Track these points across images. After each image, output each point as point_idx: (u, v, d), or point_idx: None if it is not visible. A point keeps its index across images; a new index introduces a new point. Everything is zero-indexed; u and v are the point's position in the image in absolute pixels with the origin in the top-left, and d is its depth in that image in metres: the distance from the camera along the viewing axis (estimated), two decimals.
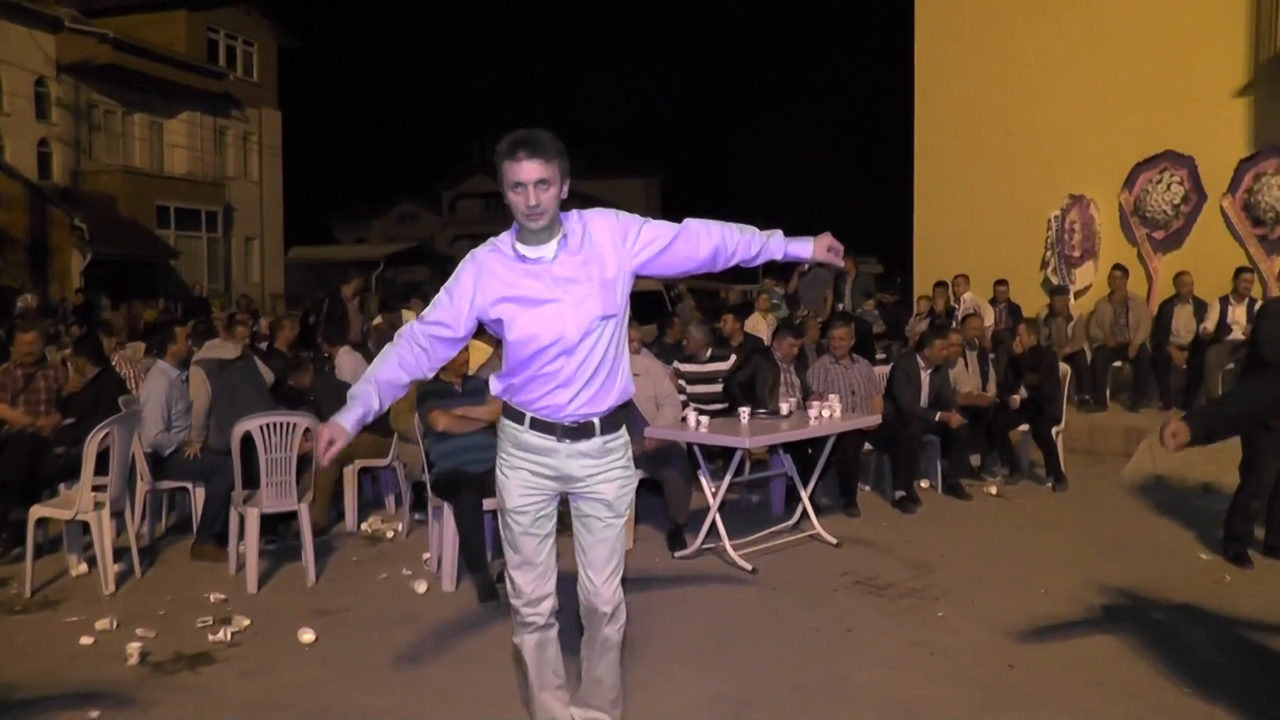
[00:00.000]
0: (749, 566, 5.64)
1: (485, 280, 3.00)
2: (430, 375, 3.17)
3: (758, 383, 6.84)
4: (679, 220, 3.13)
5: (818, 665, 4.31)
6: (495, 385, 3.16)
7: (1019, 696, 3.98)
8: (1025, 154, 12.39)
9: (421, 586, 5.42)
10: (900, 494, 7.16)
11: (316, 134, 57.54)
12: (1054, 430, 8.06)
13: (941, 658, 4.38)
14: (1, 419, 6.49)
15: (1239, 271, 10.05)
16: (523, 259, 2.98)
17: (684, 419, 6.12)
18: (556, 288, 2.95)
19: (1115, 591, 5.27)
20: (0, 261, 21.36)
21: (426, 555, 5.92)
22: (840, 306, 12.09)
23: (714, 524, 5.86)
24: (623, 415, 3.15)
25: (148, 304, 20.42)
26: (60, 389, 6.80)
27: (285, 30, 31.97)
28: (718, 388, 7.20)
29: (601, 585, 3.14)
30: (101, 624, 4.83)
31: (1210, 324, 9.94)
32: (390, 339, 3.17)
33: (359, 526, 6.78)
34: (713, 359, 7.35)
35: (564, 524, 3.22)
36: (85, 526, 5.59)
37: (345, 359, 7.77)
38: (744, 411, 6.03)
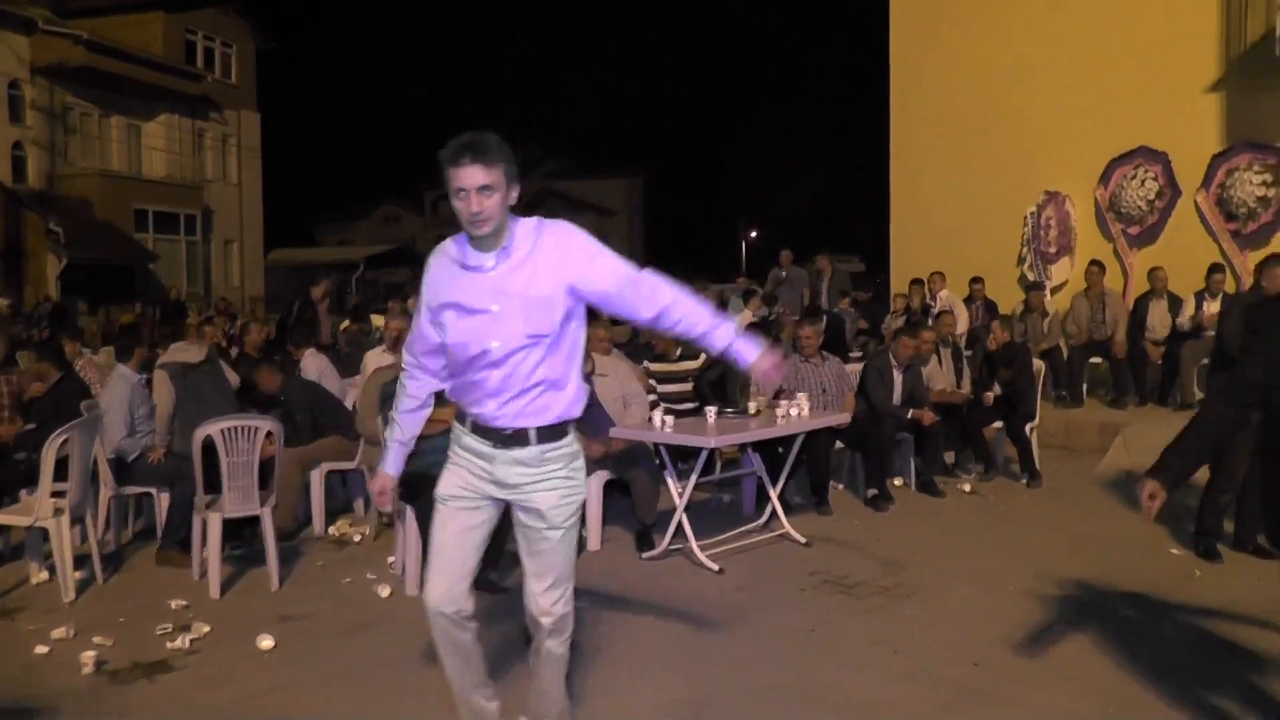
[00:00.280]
0: (716, 567, 5.61)
1: (433, 283, 2.99)
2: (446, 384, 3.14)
3: (728, 381, 6.80)
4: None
5: (780, 666, 4.27)
6: (446, 386, 3.12)
7: (982, 695, 3.96)
8: (1001, 151, 12.41)
9: (385, 591, 5.36)
10: (873, 492, 7.14)
11: (297, 136, 57.12)
12: (1028, 427, 8.05)
13: (907, 657, 4.35)
14: None
15: (1212, 270, 10.10)
16: (465, 265, 2.91)
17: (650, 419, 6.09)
18: (490, 298, 2.87)
19: (1085, 587, 5.26)
20: None
21: (391, 559, 5.87)
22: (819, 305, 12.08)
23: (681, 524, 5.82)
24: (568, 427, 3.03)
25: (125, 308, 20.27)
26: (22, 394, 6.71)
27: (264, 31, 31.84)
28: (688, 387, 7.17)
29: (539, 596, 3.06)
30: (58, 633, 4.74)
31: (1185, 318, 9.94)
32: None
33: (326, 530, 6.71)
34: (683, 358, 7.32)
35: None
36: (46, 533, 5.51)
37: (310, 361, 7.70)
38: (710, 411, 6.00)
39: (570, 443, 3.04)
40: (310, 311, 9.65)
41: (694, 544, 5.72)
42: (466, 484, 3.05)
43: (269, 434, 5.61)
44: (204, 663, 4.45)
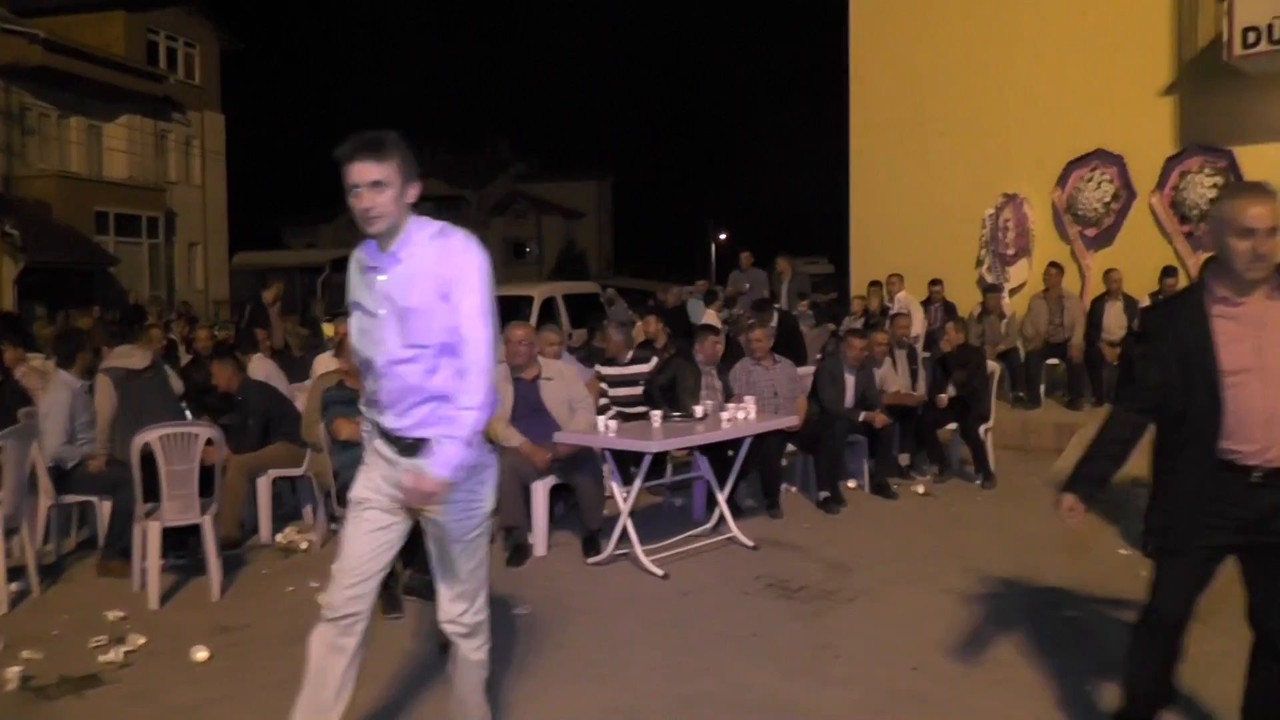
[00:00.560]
0: (660, 571, 5.58)
1: (349, 283, 2.97)
2: None
3: (679, 385, 6.78)
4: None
5: (717, 672, 4.24)
6: None
7: (918, 699, 3.95)
8: (959, 153, 12.48)
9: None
10: (824, 494, 7.14)
11: (263, 137, 56.75)
12: (982, 428, 8.08)
13: (845, 661, 4.34)
14: None
15: (1164, 274, 10.20)
16: (365, 266, 2.86)
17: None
18: (380, 302, 2.82)
19: (1031, 589, 5.28)
20: None
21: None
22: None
23: (626, 529, 5.79)
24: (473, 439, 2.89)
25: (85, 312, 19.97)
26: None
27: (228, 32, 31.48)
28: (639, 390, 7.14)
29: (447, 605, 3.03)
30: None
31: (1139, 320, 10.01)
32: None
33: (274, 538, 6.63)
34: (634, 361, 7.30)
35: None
36: None
37: (258, 366, 7.63)
38: (656, 414, 5.97)
39: (474, 456, 2.92)
40: (262, 316, 9.57)
41: (639, 549, 5.69)
42: (376, 487, 2.98)
43: (209, 441, 5.53)
44: (136, 676, 4.37)
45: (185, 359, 9.38)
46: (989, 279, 12.22)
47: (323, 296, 26.09)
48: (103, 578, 5.81)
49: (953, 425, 8.25)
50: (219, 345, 8.34)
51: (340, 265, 34.94)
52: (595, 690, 4.08)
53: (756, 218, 48.09)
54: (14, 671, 4.31)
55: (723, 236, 46.70)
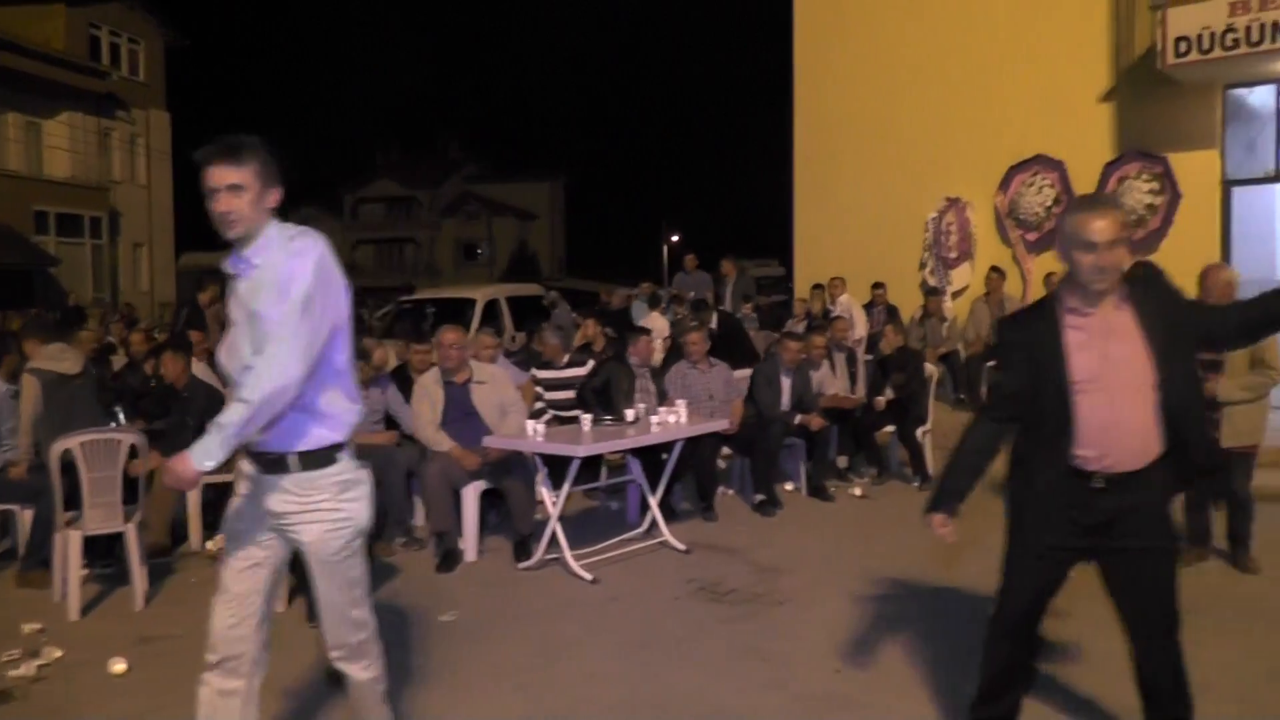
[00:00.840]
0: (589, 577, 5.56)
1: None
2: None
3: (613, 388, 6.77)
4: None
5: (641, 678, 4.24)
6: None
7: (840, 702, 3.97)
8: (902, 157, 12.58)
9: None
10: (760, 497, 7.16)
11: (210, 136, 55.82)
12: (920, 430, 8.16)
13: (771, 665, 4.35)
14: None
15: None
16: (230, 272, 2.81)
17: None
18: (236, 309, 2.78)
19: (960, 592, 5.31)
20: None
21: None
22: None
23: (556, 534, 5.76)
24: (335, 454, 2.81)
25: (22, 314, 19.54)
26: None
27: (173, 28, 30.98)
28: (574, 394, 7.11)
29: (326, 627, 2.96)
30: None
31: None
32: None
33: (204, 545, 6.51)
34: (571, 364, 7.28)
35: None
36: None
37: (193, 369, 7.45)
38: (585, 418, 5.96)
39: (340, 471, 2.84)
40: (198, 318, 9.41)
41: (568, 554, 5.67)
42: (244, 511, 2.89)
43: (133, 447, 5.43)
44: (49, 691, 4.27)
45: (121, 362, 9.21)
46: (931, 282, 12.34)
47: None
48: (22, 589, 5.67)
49: (891, 428, 8.32)
50: (165, 342, 8.17)
51: None
52: (516, 698, 4.05)
53: (711, 219, 48.32)
54: None
55: (675, 238, 46.73)
